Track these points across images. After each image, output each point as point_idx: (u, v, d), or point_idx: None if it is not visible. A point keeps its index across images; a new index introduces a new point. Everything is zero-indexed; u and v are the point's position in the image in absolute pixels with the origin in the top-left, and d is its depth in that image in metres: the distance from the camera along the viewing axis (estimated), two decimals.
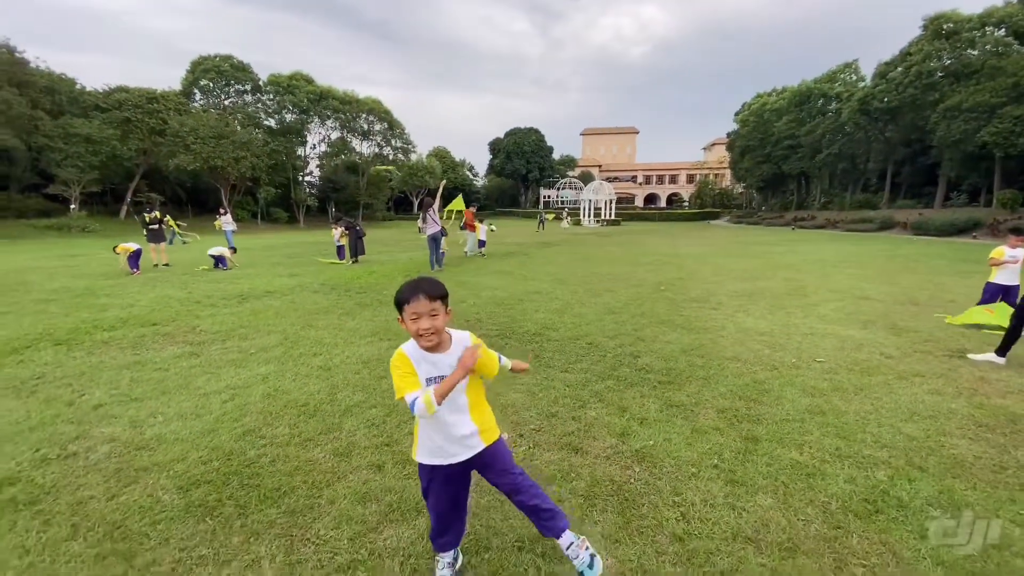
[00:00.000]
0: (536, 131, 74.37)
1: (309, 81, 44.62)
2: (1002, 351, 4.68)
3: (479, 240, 16.23)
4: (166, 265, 12.42)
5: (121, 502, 2.51)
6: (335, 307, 7.40)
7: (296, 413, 3.58)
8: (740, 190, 66.17)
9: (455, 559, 2.02)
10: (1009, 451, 3.04)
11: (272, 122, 44.42)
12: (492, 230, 22.23)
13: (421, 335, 1.71)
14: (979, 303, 6.35)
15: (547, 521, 1.93)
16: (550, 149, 75.87)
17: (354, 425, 3.38)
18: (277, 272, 11.59)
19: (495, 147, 76.32)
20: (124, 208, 35.24)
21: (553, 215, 49.69)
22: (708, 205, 66.41)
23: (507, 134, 74.83)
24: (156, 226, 12.45)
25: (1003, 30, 31.37)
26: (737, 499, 2.51)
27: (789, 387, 4.04)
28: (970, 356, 4.88)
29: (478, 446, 1.87)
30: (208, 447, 3.07)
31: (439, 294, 1.73)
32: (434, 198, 12.94)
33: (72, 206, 30.51)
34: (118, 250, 11.14)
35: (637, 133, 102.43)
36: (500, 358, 1.95)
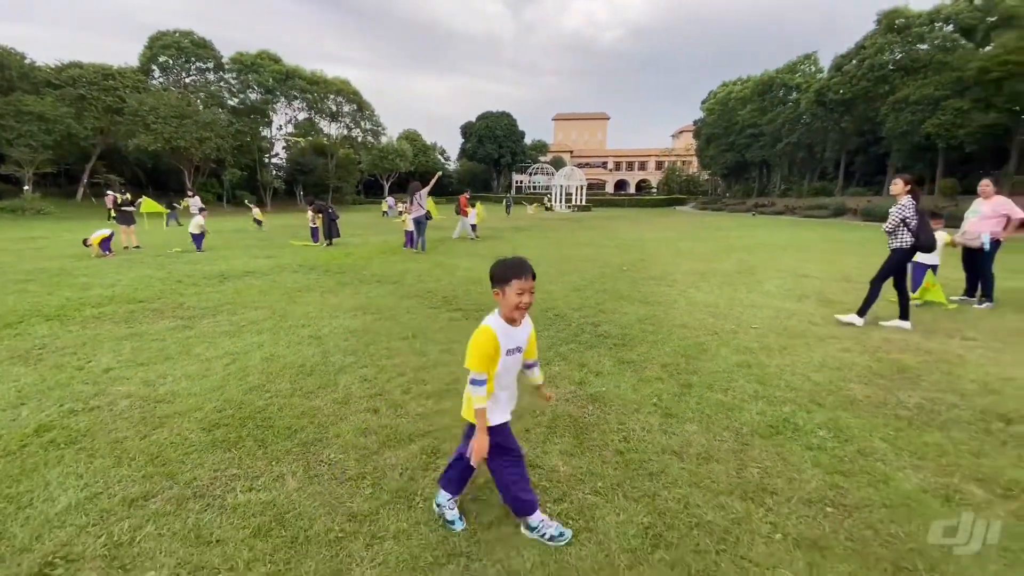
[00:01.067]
0: (508, 115, 74.21)
1: (275, 60, 43.41)
2: (902, 318, 5.50)
3: (471, 224, 16.60)
4: (136, 247, 12.38)
5: (153, 440, 2.93)
6: (316, 285, 7.75)
7: (294, 372, 4.02)
8: (706, 177, 67.96)
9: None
10: (893, 392, 3.75)
11: (235, 102, 43.07)
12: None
13: (520, 307, 1.92)
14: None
15: (531, 494, 2.18)
16: (522, 134, 75.91)
17: (349, 381, 3.85)
18: (252, 254, 11.75)
19: (467, 131, 75.87)
20: (81, 190, 33.87)
21: (538, 204, 48.56)
22: (675, 191, 67.99)
23: (479, 118, 74.44)
24: (128, 208, 12.36)
25: (951, 26, 33.17)
26: (669, 427, 3.12)
27: (724, 347, 4.71)
28: (881, 323, 5.67)
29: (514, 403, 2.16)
30: (220, 399, 3.49)
31: (535, 276, 1.97)
32: (425, 184, 13.21)
33: (25, 187, 29.17)
34: (91, 242, 10.89)
35: (608, 119, 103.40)
36: (535, 366, 2.22)
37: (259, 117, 44.79)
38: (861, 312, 5.67)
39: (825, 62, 40.96)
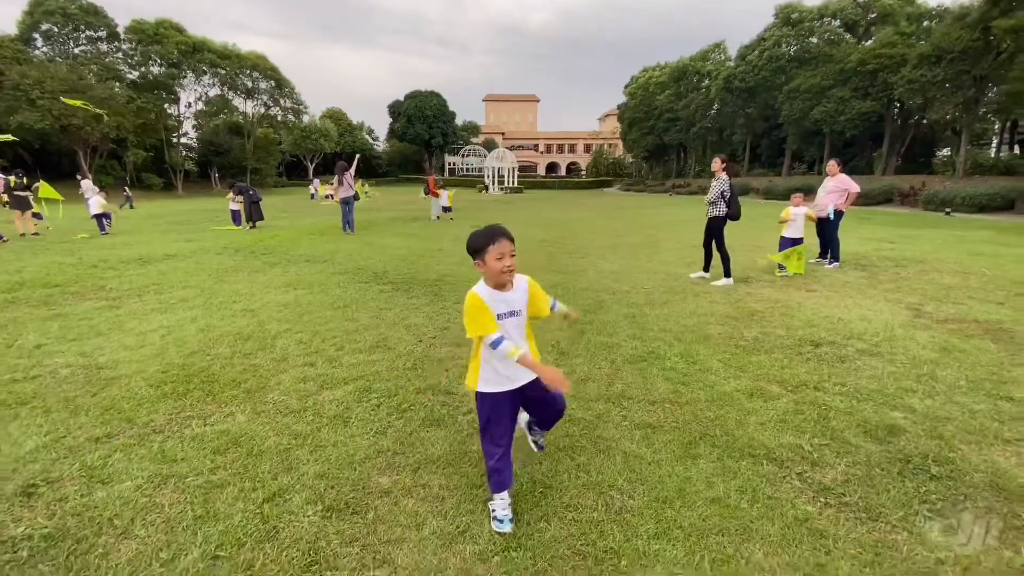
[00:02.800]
0: (438, 95, 73.06)
1: (179, 30, 40.03)
2: (726, 276, 6.77)
3: (444, 206, 16.80)
4: (35, 234, 11.56)
5: (104, 396, 3.25)
6: (243, 266, 7.86)
7: (232, 339, 4.37)
8: (631, 160, 70.92)
9: (510, 500, 2.11)
10: (739, 330, 4.74)
11: (135, 75, 39.40)
12: (367, 195, 22.50)
13: (504, 271, 1.91)
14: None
15: (555, 418, 2.29)
16: (453, 115, 75.10)
17: (285, 343, 4.27)
18: (171, 238, 11.39)
19: (395, 110, 73.92)
20: None
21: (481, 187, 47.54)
22: (603, 174, 70.46)
23: (407, 97, 72.69)
24: (22, 192, 11.47)
25: (837, 21, 36.80)
26: (562, 361, 3.86)
27: (617, 304, 5.57)
28: (713, 283, 6.81)
29: (532, 373, 2.02)
30: (162, 364, 3.81)
31: (513, 238, 1.97)
32: (351, 164, 13.30)
33: None
34: None
35: (538, 101, 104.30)
36: (554, 304, 2.16)
37: (164, 93, 41.28)
38: (726, 274, 6.76)
39: (734, 51, 44.06)
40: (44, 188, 12.13)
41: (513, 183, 50.55)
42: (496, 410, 2.07)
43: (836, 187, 8.26)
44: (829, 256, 8.19)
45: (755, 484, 2.35)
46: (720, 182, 6.65)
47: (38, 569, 1.83)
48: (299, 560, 1.86)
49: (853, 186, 8.22)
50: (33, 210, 12.17)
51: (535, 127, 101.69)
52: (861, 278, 7.15)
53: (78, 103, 15.12)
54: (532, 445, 2.44)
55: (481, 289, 1.98)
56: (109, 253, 9.00)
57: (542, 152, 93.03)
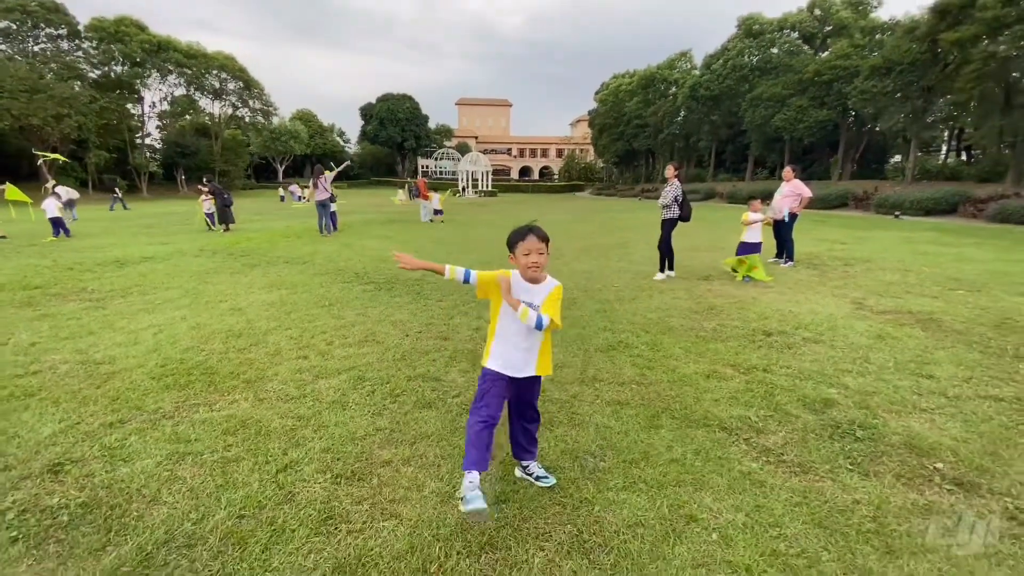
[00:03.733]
0: (410, 98, 72.83)
1: (142, 28, 38.93)
2: (670, 269, 7.47)
3: (435, 209, 16.98)
4: (2, 237, 11.25)
5: (108, 387, 3.42)
6: (223, 268, 7.95)
7: (224, 336, 4.55)
8: (601, 164, 72.18)
9: (480, 481, 2.00)
10: (699, 322, 5.17)
11: (97, 75, 38.12)
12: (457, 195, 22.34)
13: (529, 266, 2.09)
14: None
15: (530, 447, 2.40)
16: (426, 118, 74.96)
17: (277, 339, 4.48)
18: (143, 241, 11.28)
19: (367, 113, 73.29)
20: None
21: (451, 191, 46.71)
22: (575, 178, 71.51)
23: (379, 99, 72.22)
24: None
25: (796, 33, 38.54)
26: None
27: (589, 300, 5.96)
28: (655, 277, 7.39)
29: (531, 371, 2.20)
30: (159, 358, 3.98)
31: (545, 238, 2.13)
32: (331, 170, 13.41)
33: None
34: None
35: (511, 106, 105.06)
36: (543, 319, 2.11)
37: (126, 92, 40.05)
38: (670, 267, 7.53)
39: (700, 59, 45.52)
40: (11, 190, 11.82)
41: (487, 187, 50.88)
42: (493, 385, 2.20)
43: (791, 191, 8.89)
44: (784, 256, 8.79)
45: (708, 448, 2.73)
46: (674, 187, 7.26)
47: (80, 531, 2.05)
48: (316, 517, 2.14)
49: (806, 191, 8.86)
50: None
51: (508, 131, 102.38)
52: (813, 276, 7.74)
53: (48, 155, 14.79)
54: (535, 481, 2.39)
55: (515, 272, 2.19)
56: (83, 256, 8.91)
57: (515, 156, 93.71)
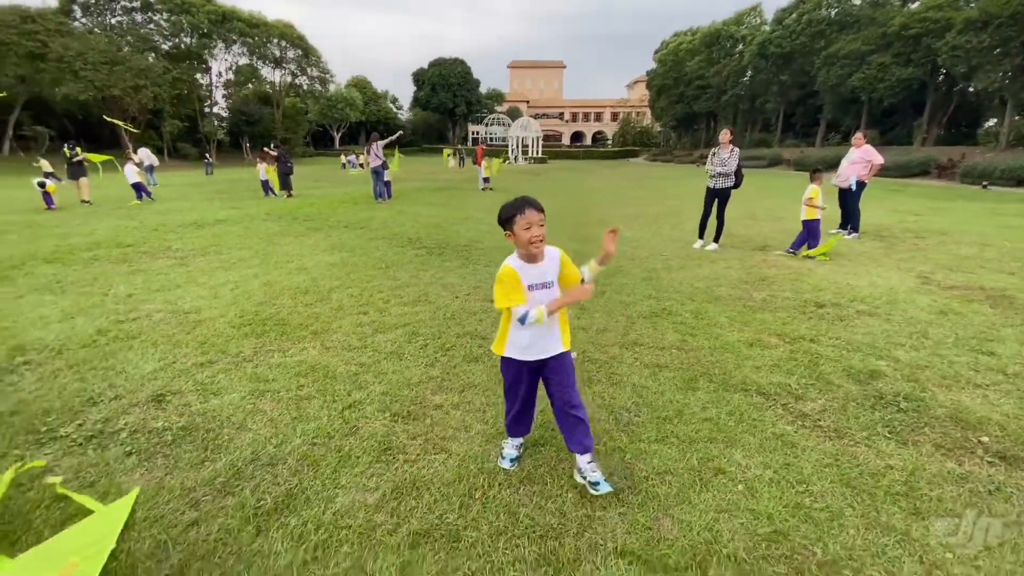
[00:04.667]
0: (462, 62, 72.16)
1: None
2: (717, 239, 7.24)
3: (483, 177, 17.16)
4: (87, 202, 12.35)
5: (197, 334, 3.88)
6: (288, 231, 8.49)
7: (292, 292, 4.97)
8: (659, 129, 69.23)
9: (521, 446, 2.37)
10: (749, 292, 5.11)
11: (168, 46, 40.15)
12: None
13: (532, 241, 1.93)
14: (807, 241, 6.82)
15: (581, 437, 2.11)
16: (477, 82, 74.23)
17: (340, 297, 4.85)
18: (217, 205, 12.13)
19: (419, 79, 73.41)
20: (7, 143, 31.45)
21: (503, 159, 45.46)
22: (629, 143, 69.13)
23: (431, 65, 72.05)
24: (77, 161, 12.27)
25: None
26: (581, 315, 4.33)
27: (636, 268, 5.98)
28: (694, 245, 7.29)
29: (558, 348, 2.10)
30: (237, 311, 4.43)
31: (542, 209, 1.97)
32: (383, 137, 13.77)
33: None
34: (49, 187, 11.12)
35: (564, 68, 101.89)
36: (584, 272, 2.12)
37: (195, 63, 42.05)
38: (717, 239, 7.30)
39: (770, 14, 42.18)
40: (92, 157, 12.92)
41: (538, 153, 50.18)
42: (517, 376, 2.15)
43: (860, 158, 8.34)
44: (849, 227, 8.35)
45: (743, 410, 2.81)
46: (735, 155, 6.94)
47: (183, 448, 2.44)
48: (376, 447, 2.43)
49: (877, 158, 8.29)
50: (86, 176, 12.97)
51: (560, 94, 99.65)
52: (878, 248, 7.35)
53: (118, 123, 15.83)
54: (589, 487, 2.11)
55: (513, 261, 2.03)
56: (165, 218, 9.74)
57: (567, 121, 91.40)
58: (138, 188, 12.82)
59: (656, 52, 56.65)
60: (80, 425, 2.63)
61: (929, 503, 2.10)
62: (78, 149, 12.51)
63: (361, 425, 2.62)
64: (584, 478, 2.13)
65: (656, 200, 13.77)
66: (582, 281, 2.10)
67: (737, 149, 7.12)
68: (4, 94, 13.27)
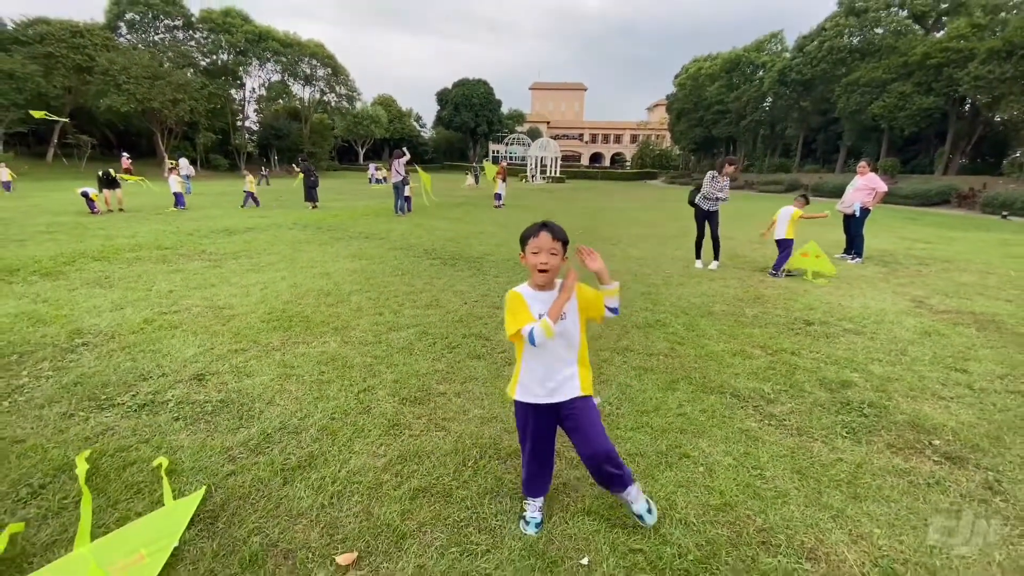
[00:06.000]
0: (485, 83, 73.86)
1: (246, 19, 42.45)
2: (716, 256, 7.62)
3: (496, 194, 17.70)
4: (121, 210, 12.99)
5: (231, 326, 4.31)
6: (313, 239, 9.02)
7: (316, 294, 5.41)
8: (678, 152, 69.61)
9: (542, 508, 2.07)
10: (743, 309, 5.39)
11: (206, 63, 42.18)
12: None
13: (540, 269, 1.79)
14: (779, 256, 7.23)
15: (615, 486, 1.97)
16: (499, 103, 75.76)
17: (359, 300, 5.26)
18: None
19: (443, 98, 75.29)
20: (51, 151, 33.27)
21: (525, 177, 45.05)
22: (648, 166, 69.57)
23: (455, 85, 73.89)
24: (112, 179, 12.93)
25: (905, 12, 35.06)
26: None
27: (637, 284, 6.30)
28: (696, 265, 7.61)
29: (574, 391, 1.91)
30: (266, 308, 4.87)
31: (562, 238, 1.82)
32: (404, 153, 14.38)
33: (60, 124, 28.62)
34: (92, 195, 11.95)
35: (585, 90, 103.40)
36: (607, 299, 1.94)
37: (230, 79, 44.02)
38: (716, 256, 7.71)
39: (792, 41, 42.58)
40: (126, 177, 13.66)
41: (556, 173, 50.91)
42: (527, 421, 1.98)
43: (865, 185, 8.58)
44: (853, 252, 8.55)
45: (716, 408, 3.11)
46: (727, 184, 7.36)
47: (221, 417, 2.83)
48: (386, 424, 2.79)
49: (881, 185, 8.52)
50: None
51: (581, 116, 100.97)
52: (879, 273, 7.54)
53: (41, 114, 16.50)
54: (637, 519, 2.05)
55: (523, 288, 1.90)
56: (199, 224, 10.39)
57: (587, 142, 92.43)
58: (177, 197, 13.60)
59: (676, 76, 57.38)
60: (134, 395, 3.05)
61: (868, 490, 2.37)
62: (111, 171, 13.18)
63: (373, 406, 2.99)
64: (634, 510, 2.04)
65: (667, 221, 14.07)
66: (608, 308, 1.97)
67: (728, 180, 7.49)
68: (43, 113, 14.21)
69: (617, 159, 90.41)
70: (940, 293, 6.28)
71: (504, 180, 17.80)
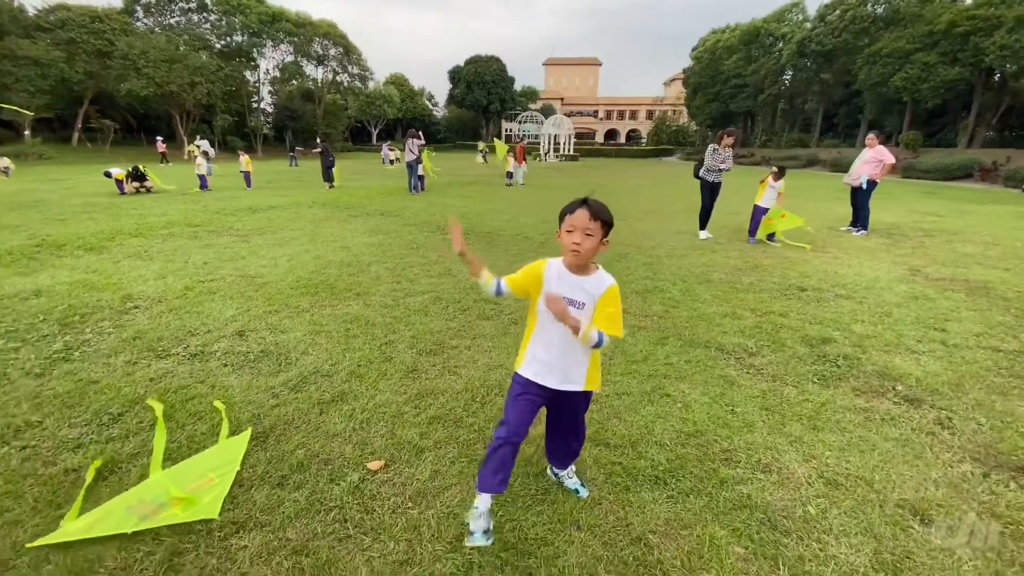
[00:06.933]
0: (498, 60, 72.85)
1: (259, 0, 42.47)
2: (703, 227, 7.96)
3: (507, 172, 18.02)
4: (148, 191, 13.49)
5: (263, 292, 4.74)
6: (332, 216, 9.43)
7: (338, 265, 5.81)
8: (695, 128, 68.36)
9: (490, 512, 1.78)
10: (740, 277, 5.65)
11: (220, 45, 42.47)
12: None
13: (571, 249, 1.66)
14: (751, 227, 7.83)
15: (566, 458, 2.08)
16: (512, 80, 74.76)
17: (377, 270, 5.66)
18: (266, 194, 13.28)
19: (455, 76, 74.51)
20: (75, 135, 34.19)
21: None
22: (664, 142, 68.52)
23: (467, 62, 73.01)
24: (141, 175, 13.37)
25: None
26: None
27: (640, 255, 6.59)
28: (700, 237, 7.94)
29: (579, 384, 1.82)
30: (293, 277, 5.29)
31: (603, 218, 1.66)
32: (419, 135, 14.66)
33: (26, 132, 29.64)
34: (116, 176, 12.52)
35: (600, 65, 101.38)
36: (601, 337, 1.69)
37: (244, 60, 44.31)
38: (703, 227, 8.09)
39: (813, 10, 41.20)
40: (154, 178, 13.97)
41: (569, 150, 50.54)
42: (524, 392, 1.84)
43: (873, 158, 8.64)
44: (859, 225, 8.68)
45: (700, 359, 3.44)
46: (729, 152, 7.61)
47: (263, 363, 3.25)
48: (405, 369, 3.18)
49: (889, 158, 8.58)
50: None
51: (595, 92, 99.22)
52: (882, 244, 7.70)
53: (10, 107, 17.01)
54: (573, 493, 2.10)
55: (553, 260, 1.80)
56: (224, 204, 10.87)
57: (601, 119, 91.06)
58: (202, 179, 14.12)
59: (693, 49, 56.07)
60: (185, 347, 3.49)
61: (827, 423, 2.70)
62: (139, 166, 13.57)
63: (394, 356, 3.39)
64: (560, 482, 2.16)
65: (678, 197, 14.18)
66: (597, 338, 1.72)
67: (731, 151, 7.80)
68: (11, 107, 15.15)
69: (632, 136, 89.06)
70: (938, 263, 6.46)
71: (523, 160, 17.95)
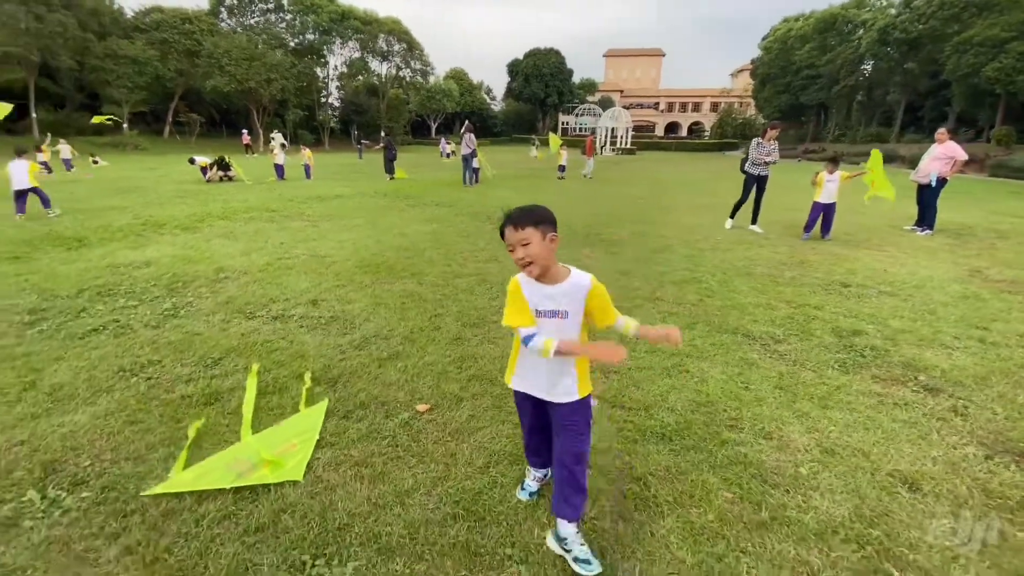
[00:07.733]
0: (556, 52, 72.58)
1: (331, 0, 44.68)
2: (732, 215, 8.20)
3: (560, 165, 18.34)
4: (230, 179, 14.82)
5: (331, 269, 5.35)
6: (392, 206, 10.10)
7: (396, 250, 6.37)
8: (762, 120, 65.22)
9: (544, 478, 2.07)
10: (782, 271, 5.70)
11: (294, 43, 45.07)
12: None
13: (520, 265, 1.62)
14: (807, 222, 7.71)
15: (571, 499, 1.75)
16: (570, 72, 74.28)
17: (431, 254, 6.16)
18: (332, 184, 14.28)
19: (513, 69, 74.93)
20: (167, 128, 37.59)
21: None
22: (728, 135, 65.88)
23: (526, 55, 73.21)
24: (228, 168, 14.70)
25: None
26: (619, 280, 5.26)
27: (683, 247, 6.72)
28: (725, 225, 8.21)
29: (571, 394, 1.75)
30: (357, 259, 5.88)
31: (527, 222, 1.57)
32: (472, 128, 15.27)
33: (124, 125, 33.00)
34: (200, 163, 13.93)
35: (663, 56, 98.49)
36: (619, 320, 1.74)
37: (315, 57, 46.78)
38: (755, 220, 8.23)
39: None
40: (240, 172, 15.18)
41: (627, 144, 49.77)
42: (523, 407, 1.91)
43: (943, 154, 8.24)
44: (924, 225, 8.30)
45: (725, 343, 3.65)
46: (776, 148, 7.59)
47: (332, 327, 3.78)
48: (451, 337, 3.62)
49: (961, 154, 8.16)
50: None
51: (657, 84, 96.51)
52: (946, 244, 7.39)
53: (103, 119, 18.95)
54: (573, 565, 1.72)
55: (521, 275, 1.70)
56: (296, 192, 11.85)
57: (663, 111, 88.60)
58: (279, 169, 15.40)
59: (763, 39, 53.49)
60: (268, 311, 4.10)
61: (839, 404, 2.87)
62: (224, 156, 14.90)
63: (442, 326, 3.84)
64: (567, 549, 1.75)
65: (732, 192, 13.87)
66: (616, 326, 1.77)
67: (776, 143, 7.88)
68: (102, 119, 17.54)
69: (695, 129, 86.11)
70: (1004, 264, 6.18)
71: (592, 154, 18.30)
